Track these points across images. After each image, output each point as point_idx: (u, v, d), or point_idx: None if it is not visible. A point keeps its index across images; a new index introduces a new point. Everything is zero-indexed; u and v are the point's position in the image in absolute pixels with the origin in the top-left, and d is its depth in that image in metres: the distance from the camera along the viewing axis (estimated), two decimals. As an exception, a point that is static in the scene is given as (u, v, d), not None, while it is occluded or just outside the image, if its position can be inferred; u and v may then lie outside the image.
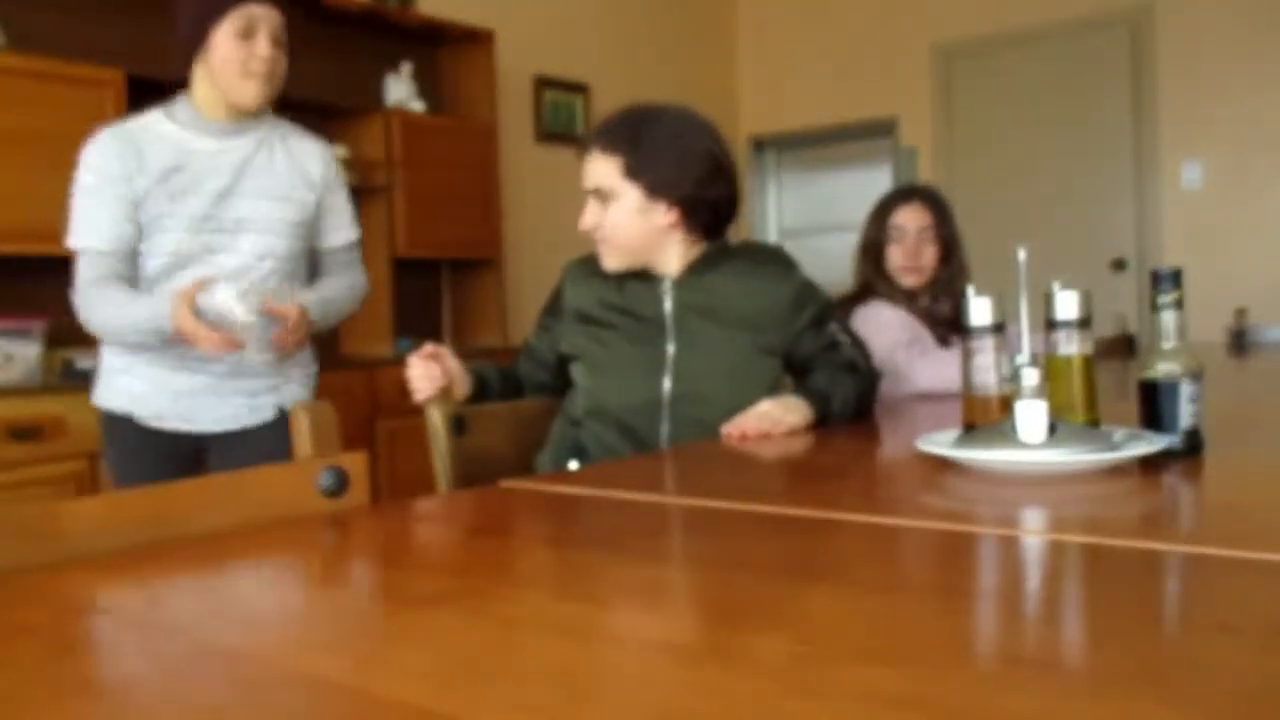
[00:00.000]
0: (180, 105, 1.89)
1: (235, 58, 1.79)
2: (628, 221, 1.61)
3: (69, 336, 3.15)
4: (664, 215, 1.61)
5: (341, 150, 3.89)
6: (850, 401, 1.60)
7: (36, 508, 0.84)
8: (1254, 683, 0.51)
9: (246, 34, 1.79)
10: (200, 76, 1.85)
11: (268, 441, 1.89)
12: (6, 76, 2.90)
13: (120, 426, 1.88)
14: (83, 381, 2.90)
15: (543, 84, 5.01)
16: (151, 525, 0.89)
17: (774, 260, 1.72)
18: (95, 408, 1.92)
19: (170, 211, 1.81)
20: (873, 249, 2.31)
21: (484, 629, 0.64)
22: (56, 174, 3.04)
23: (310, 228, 1.96)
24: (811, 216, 6.20)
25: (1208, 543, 0.80)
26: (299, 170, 1.94)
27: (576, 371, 1.65)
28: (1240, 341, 3.47)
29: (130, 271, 1.84)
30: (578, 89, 5.17)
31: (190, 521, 0.92)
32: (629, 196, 1.61)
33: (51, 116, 2.97)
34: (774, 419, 1.47)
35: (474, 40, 4.40)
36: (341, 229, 2.02)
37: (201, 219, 1.82)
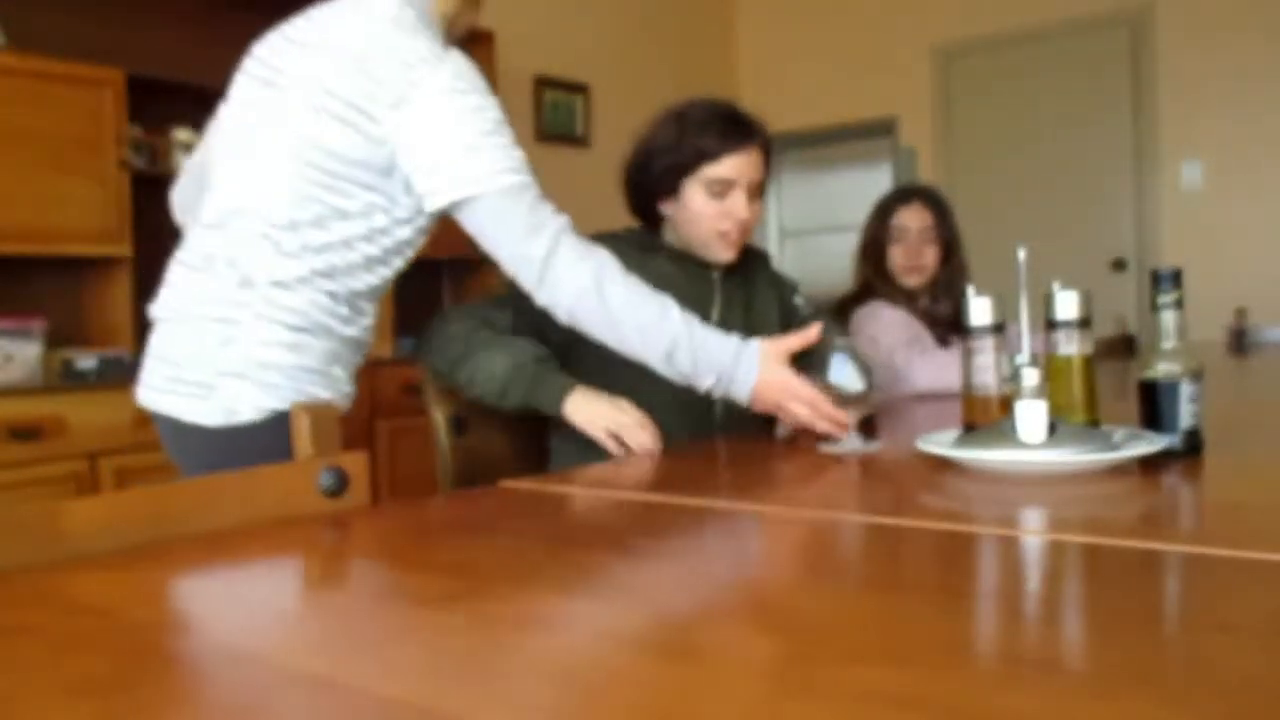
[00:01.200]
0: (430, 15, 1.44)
1: None
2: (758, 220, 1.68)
3: (69, 336, 3.16)
4: None
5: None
6: None
7: (36, 508, 0.84)
8: (1254, 683, 0.51)
9: None
10: None
11: None
12: (6, 76, 2.90)
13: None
14: (83, 381, 2.91)
15: (543, 84, 5.00)
16: (151, 525, 0.89)
17: (756, 250, 1.84)
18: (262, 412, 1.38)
19: None
20: (873, 249, 2.32)
21: (484, 629, 0.64)
22: (56, 174, 3.07)
23: None
24: (811, 216, 6.20)
25: (1208, 543, 0.80)
26: None
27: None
28: (1240, 341, 3.47)
29: None
30: (578, 89, 5.17)
31: (190, 521, 0.92)
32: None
33: (51, 116, 2.97)
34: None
35: (474, 40, 4.39)
36: None
37: None
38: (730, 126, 1.60)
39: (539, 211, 1.35)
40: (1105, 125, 5.20)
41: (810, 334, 1.38)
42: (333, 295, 1.41)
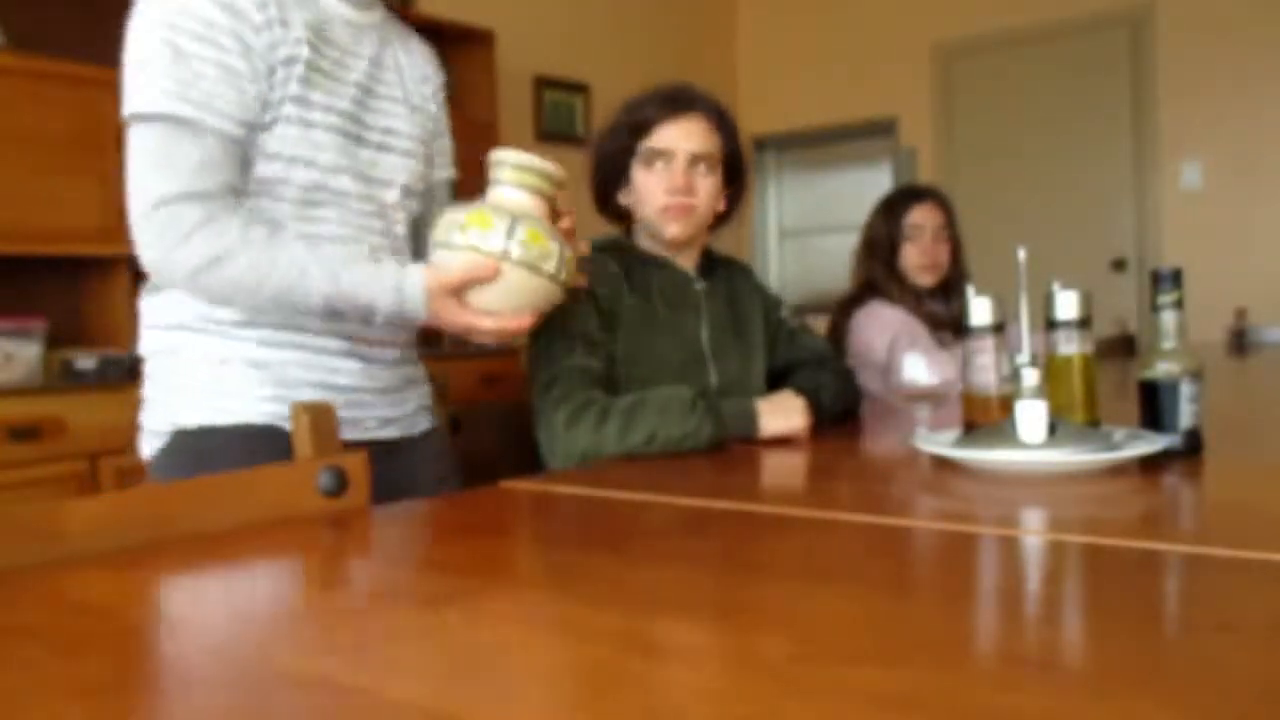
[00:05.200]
0: None
1: None
2: (714, 200, 1.60)
3: (69, 336, 3.16)
4: (720, 204, 1.63)
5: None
6: (839, 397, 1.61)
7: (36, 508, 0.84)
8: (1254, 683, 0.51)
9: None
10: None
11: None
12: (6, 76, 2.90)
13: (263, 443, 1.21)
14: (83, 381, 2.91)
15: (543, 84, 5.00)
16: (151, 525, 0.89)
17: (740, 263, 1.80)
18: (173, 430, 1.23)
19: (304, 99, 1.22)
20: (883, 248, 2.32)
21: (484, 629, 0.64)
22: (57, 174, 3.07)
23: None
24: (811, 216, 6.20)
25: (1208, 543, 0.80)
26: (422, 72, 1.48)
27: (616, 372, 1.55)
28: (1240, 341, 3.47)
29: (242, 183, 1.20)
30: (578, 89, 5.17)
31: (190, 521, 0.92)
32: (718, 176, 1.59)
33: (51, 116, 2.97)
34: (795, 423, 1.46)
35: (474, 40, 4.40)
36: (448, 161, 1.53)
37: (349, 120, 1.28)
38: (665, 98, 1.57)
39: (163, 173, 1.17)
40: (1105, 125, 5.19)
41: (484, 269, 1.23)
42: None
